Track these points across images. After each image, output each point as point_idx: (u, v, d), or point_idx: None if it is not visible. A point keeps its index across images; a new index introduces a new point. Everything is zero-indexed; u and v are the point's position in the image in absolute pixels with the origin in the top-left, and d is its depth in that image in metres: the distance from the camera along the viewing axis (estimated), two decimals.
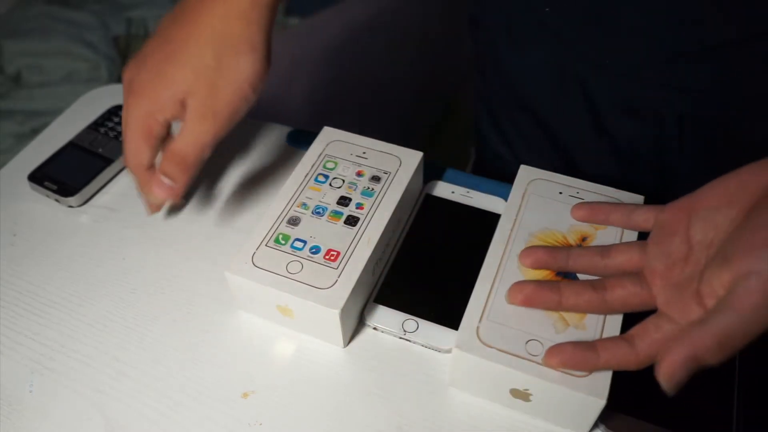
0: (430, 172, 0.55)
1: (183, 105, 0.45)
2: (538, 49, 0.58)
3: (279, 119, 0.63)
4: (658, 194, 0.48)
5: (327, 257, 0.44)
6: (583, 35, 0.54)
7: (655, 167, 0.59)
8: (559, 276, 0.43)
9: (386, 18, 1.23)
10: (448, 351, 0.44)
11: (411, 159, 0.50)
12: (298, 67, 1.01)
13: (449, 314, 0.45)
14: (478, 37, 0.68)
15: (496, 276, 0.43)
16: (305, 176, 0.49)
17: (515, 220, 0.46)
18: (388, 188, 0.48)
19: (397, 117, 1.31)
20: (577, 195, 0.47)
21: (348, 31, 1.09)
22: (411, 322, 0.45)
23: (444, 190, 0.54)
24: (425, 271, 0.49)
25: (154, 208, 0.51)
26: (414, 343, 0.45)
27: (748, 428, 0.40)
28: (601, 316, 0.41)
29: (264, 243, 0.45)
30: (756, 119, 0.53)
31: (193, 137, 0.45)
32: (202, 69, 0.44)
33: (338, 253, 0.44)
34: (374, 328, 0.46)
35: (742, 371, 0.43)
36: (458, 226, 0.52)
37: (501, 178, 0.56)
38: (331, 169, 0.50)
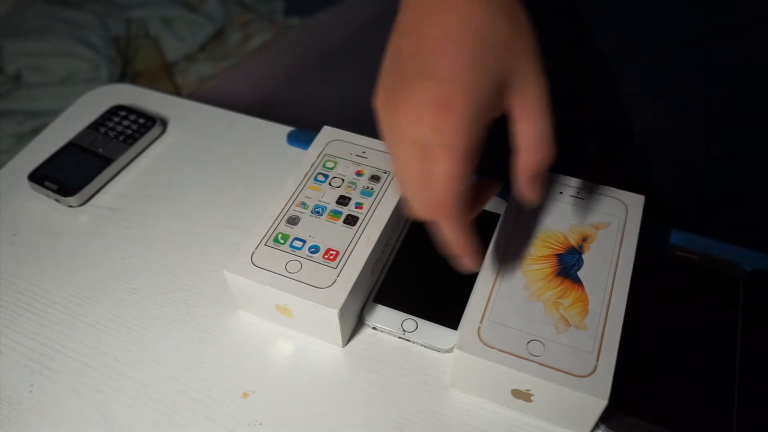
0: None
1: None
2: (552, 35, 0.57)
3: (279, 119, 0.63)
4: (674, 190, 0.47)
5: (326, 257, 0.44)
6: (600, 20, 0.53)
7: (679, 158, 0.58)
8: (560, 276, 0.43)
9: (387, 17, 1.23)
10: (448, 351, 0.44)
11: None
12: (299, 67, 1.01)
13: (449, 314, 0.45)
14: None
15: (496, 276, 0.43)
16: (305, 176, 0.49)
17: (515, 219, 0.46)
18: (387, 188, 0.48)
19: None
20: (577, 195, 0.47)
21: (348, 31, 1.09)
22: (410, 321, 0.45)
23: None
24: (425, 271, 0.49)
25: (473, 260, 0.39)
26: (413, 343, 0.45)
27: (748, 428, 0.40)
28: (602, 317, 0.40)
29: (263, 242, 0.45)
30: None
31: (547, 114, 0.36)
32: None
33: (337, 253, 0.44)
34: (373, 328, 0.46)
35: (743, 372, 0.42)
36: None
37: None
38: (331, 169, 0.50)
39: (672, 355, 0.44)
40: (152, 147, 0.61)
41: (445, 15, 0.34)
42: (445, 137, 0.33)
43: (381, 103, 0.36)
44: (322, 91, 1.03)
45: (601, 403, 0.37)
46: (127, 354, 0.46)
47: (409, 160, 0.34)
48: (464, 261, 0.38)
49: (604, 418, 0.40)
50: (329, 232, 0.45)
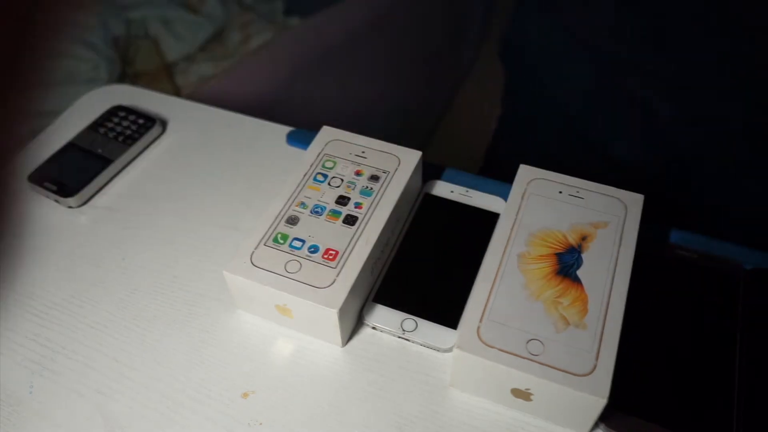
0: (429, 171, 0.55)
1: None
2: (584, 69, 0.59)
3: (279, 119, 0.63)
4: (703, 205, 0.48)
5: (325, 256, 0.44)
6: (634, 49, 0.55)
7: (716, 178, 0.58)
8: (559, 276, 0.43)
9: (386, 18, 1.23)
10: (448, 350, 0.44)
11: (410, 158, 0.50)
12: (299, 67, 1.00)
13: (448, 314, 0.45)
14: (513, 60, 0.68)
15: (496, 276, 0.43)
16: (304, 175, 0.49)
17: (515, 219, 0.46)
18: (386, 187, 0.48)
19: (397, 116, 1.31)
20: (577, 194, 0.47)
21: (348, 31, 1.09)
22: (410, 321, 0.45)
23: (443, 189, 0.54)
24: (424, 271, 0.49)
25: None
26: (413, 342, 0.45)
27: (747, 427, 0.40)
28: (602, 316, 0.40)
29: (263, 242, 0.45)
30: None
31: None
32: None
33: (337, 253, 0.44)
34: (373, 328, 0.46)
35: (742, 371, 0.42)
36: (457, 226, 0.52)
37: None
38: (330, 169, 0.50)
39: (671, 354, 0.44)
40: (152, 147, 0.61)
41: None
42: None
43: None
44: (322, 91, 1.03)
45: (600, 402, 0.37)
46: (128, 355, 0.46)
47: None
48: None
49: (604, 417, 0.40)
50: (328, 232, 0.45)
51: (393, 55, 1.28)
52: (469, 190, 0.53)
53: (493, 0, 1.86)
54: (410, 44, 1.36)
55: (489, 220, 0.50)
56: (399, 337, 0.45)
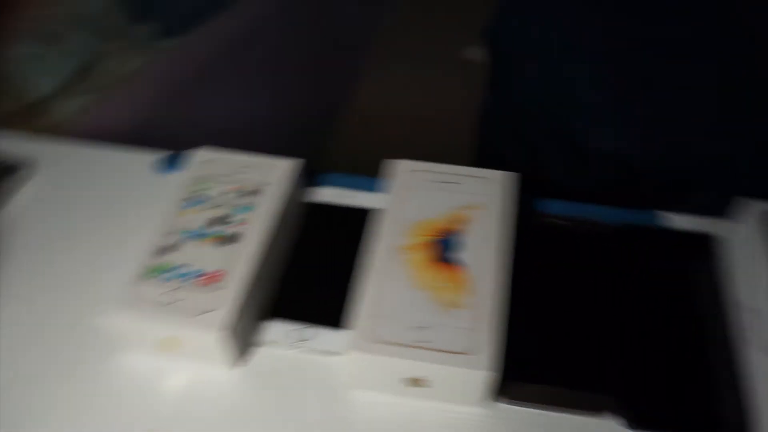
0: (313, 178, 0.55)
1: None
2: (574, 64, 0.58)
3: (160, 144, 0.61)
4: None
5: (209, 280, 0.43)
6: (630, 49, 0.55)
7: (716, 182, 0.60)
8: (442, 261, 0.44)
9: (265, 31, 1.22)
10: (345, 353, 0.45)
11: (289, 168, 0.50)
12: (177, 89, 0.98)
13: (342, 317, 0.45)
14: (498, 51, 0.67)
15: (380, 271, 0.44)
16: (180, 201, 0.48)
17: (394, 213, 0.47)
18: (267, 200, 0.48)
19: (286, 126, 1.30)
20: (452, 180, 0.49)
21: (225, 47, 1.08)
22: (304, 330, 0.45)
23: (326, 194, 0.54)
24: (316, 278, 0.49)
25: None
26: (311, 351, 0.45)
27: (629, 373, 0.43)
28: (484, 294, 0.42)
29: (142, 278, 0.44)
30: None
31: None
32: None
33: (222, 274, 0.44)
34: (269, 343, 0.45)
35: (621, 320, 0.45)
36: (345, 228, 0.52)
37: None
38: (207, 190, 0.49)
39: (558, 318, 0.46)
40: (18, 195, 0.57)
41: None
42: None
43: None
44: (205, 110, 1.01)
45: (488, 375, 0.39)
46: (10, 420, 0.43)
47: None
48: None
49: (503, 389, 0.42)
50: (211, 255, 0.45)
51: (275, 65, 1.27)
52: (354, 191, 0.54)
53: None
54: (292, 52, 1.36)
55: (373, 218, 0.51)
56: (297, 349, 0.45)
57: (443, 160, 0.51)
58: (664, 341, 0.45)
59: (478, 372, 0.39)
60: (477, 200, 0.47)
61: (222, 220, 0.47)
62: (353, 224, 0.52)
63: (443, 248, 0.45)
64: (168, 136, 0.90)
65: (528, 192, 0.52)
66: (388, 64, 1.92)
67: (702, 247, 0.50)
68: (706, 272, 0.48)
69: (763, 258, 0.42)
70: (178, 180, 0.51)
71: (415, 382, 0.41)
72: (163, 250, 0.45)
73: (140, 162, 0.59)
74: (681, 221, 0.52)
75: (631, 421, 0.41)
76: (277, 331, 0.45)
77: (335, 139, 1.71)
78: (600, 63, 0.50)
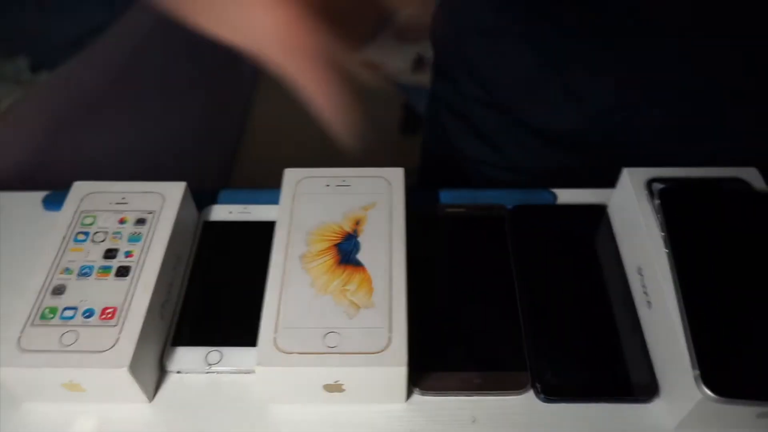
0: (204, 198, 0.54)
1: None
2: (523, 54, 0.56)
3: (42, 184, 0.58)
4: None
5: (103, 317, 0.41)
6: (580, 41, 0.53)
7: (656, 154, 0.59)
8: (342, 265, 0.44)
9: (148, 54, 1.18)
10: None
11: (174, 192, 0.49)
12: (58, 124, 0.93)
13: (250, 333, 0.44)
14: (442, 39, 0.63)
15: (282, 283, 0.43)
16: (63, 239, 0.46)
17: (290, 223, 0.47)
18: (155, 228, 0.46)
19: (184, 151, 1.27)
20: (343, 183, 0.49)
21: (103, 75, 1.04)
22: (214, 353, 0.44)
23: (221, 212, 0.53)
24: (219, 299, 0.48)
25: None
26: (222, 373, 0.44)
27: (536, 353, 0.44)
28: (387, 291, 0.42)
29: (29, 323, 0.41)
30: None
31: None
32: None
33: (115, 310, 0.42)
34: (178, 372, 0.44)
35: (523, 300, 0.47)
36: (243, 244, 0.51)
37: (481, 184, 0.54)
38: (90, 225, 0.47)
39: (464, 304, 0.48)
40: None
41: None
42: None
43: None
44: (87, 142, 0.97)
45: (402, 371, 0.39)
46: None
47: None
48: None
49: (416, 382, 0.43)
50: (102, 291, 0.43)
51: (165, 85, 1.24)
52: (247, 206, 0.53)
53: None
54: (181, 70, 1.32)
55: (271, 230, 0.50)
56: (207, 373, 0.44)
57: (352, 164, 0.51)
58: (570, 313, 0.47)
59: (394, 369, 0.39)
60: (370, 200, 0.48)
61: (110, 254, 0.45)
62: (253, 239, 0.51)
63: (343, 251, 0.45)
64: (50, 173, 0.85)
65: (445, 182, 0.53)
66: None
67: (595, 217, 0.52)
68: (601, 240, 0.51)
69: (646, 221, 0.45)
70: (61, 218, 0.48)
71: (333, 387, 0.41)
72: (51, 290, 0.43)
73: (26, 201, 0.56)
74: (575, 195, 0.54)
75: (547, 393, 0.42)
76: (188, 357, 0.44)
77: (242, 154, 1.68)
78: (542, 45, 0.49)
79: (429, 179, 0.78)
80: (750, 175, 0.48)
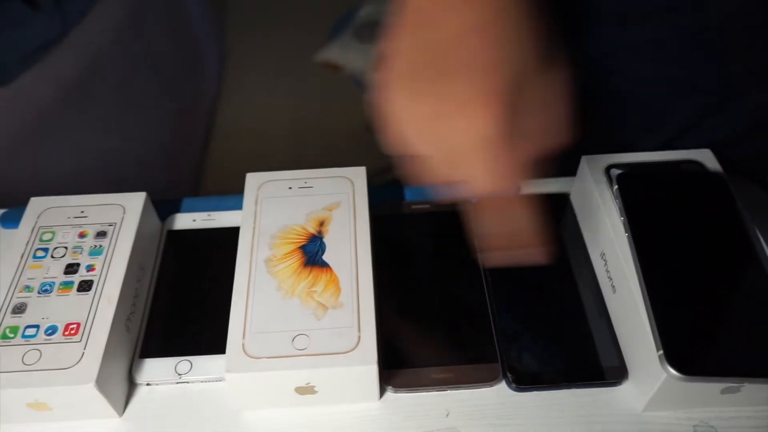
0: (167, 207, 0.53)
1: None
2: None
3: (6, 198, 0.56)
4: None
5: (67, 333, 0.41)
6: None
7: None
8: (308, 266, 0.44)
9: (106, 66, 1.16)
10: None
11: (135, 203, 0.48)
12: (12, 141, 0.91)
13: (219, 341, 0.44)
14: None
15: (248, 288, 0.43)
16: (21, 257, 0.45)
17: (253, 227, 0.46)
18: (117, 240, 0.46)
19: (149, 161, 1.25)
20: (306, 184, 0.49)
21: (62, 89, 1.01)
22: (183, 363, 0.44)
23: (185, 221, 0.52)
24: (186, 308, 0.47)
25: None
26: (192, 382, 0.43)
27: (506, 346, 0.45)
28: (354, 290, 0.42)
29: None
30: None
31: None
32: None
33: (78, 325, 0.41)
34: (148, 384, 0.43)
35: (490, 293, 0.47)
36: (208, 252, 0.51)
37: None
38: (49, 240, 0.46)
39: (432, 299, 0.48)
40: None
41: (469, 7, 0.33)
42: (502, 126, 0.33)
43: (404, 99, 0.35)
44: (45, 158, 0.95)
45: (373, 369, 0.39)
46: None
47: (473, 152, 0.34)
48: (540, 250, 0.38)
49: (389, 380, 0.43)
50: (64, 307, 0.42)
51: (126, 96, 1.22)
52: (210, 213, 0.53)
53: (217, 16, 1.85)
54: (142, 81, 1.31)
55: (235, 236, 0.50)
56: (177, 383, 0.43)
57: (315, 165, 0.51)
58: (538, 302, 0.47)
59: (364, 367, 0.39)
60: (333, 200, 0.47)
61: (71, 269, 0.44)
62: (218, 246, 0.50)
63: (308, 253, 0.44)
64: (13, 189, 0.83)
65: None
66: (245, 77, 1.89)
67: (559, 206, 0.53)
68: (565, 228, 0.51)
69: (606, 207, 0.45)
70: (19, 235, 0.47)
71: (304, 390, 0.40)
72: (12, 309, 0.42)
73: None
74: (537, 185, 0.55)
75: (519, 383, 0.43)
76: (157, 369, 0.44)
77: (209, 161, 1.66)
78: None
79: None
80: (704, 156, 0.49)
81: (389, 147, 0.37)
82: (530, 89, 0.34)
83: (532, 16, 0.34)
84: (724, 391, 0.40)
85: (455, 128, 0.34)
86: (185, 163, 1.56)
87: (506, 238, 0.38)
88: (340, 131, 1.72)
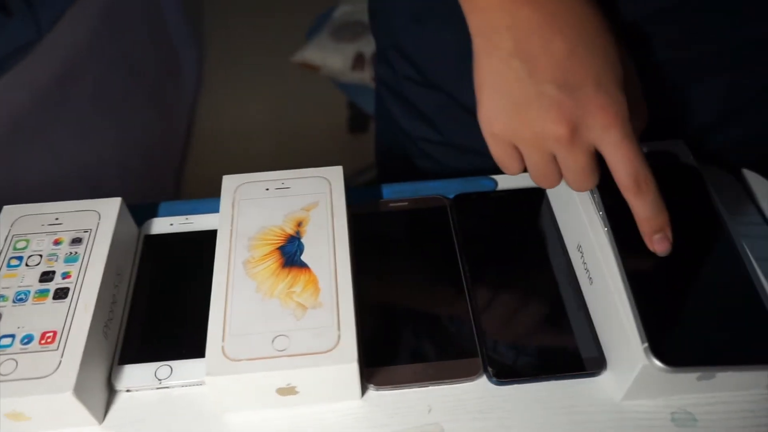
0: (144, 211, 0.53)
1: None
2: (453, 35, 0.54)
3: None
4: None
5: (43, 342, 0.40)
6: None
7: None
8: (286, 267, 0.44)
9: (81, 71, 1.15)
10: None
11: (110, 208, 0.48)
12: None
13: (199, 345, 0.44)
14: (379, 29, 0.64)
15: (227, 290, 0.43)
16: None
17: (231, 230, 0.46)
18: (92, 246, 0.45)
19: (128, 166, 1.24)
20: (283, 186, 0.49)
21: (36, 95, 1.00)
22: (164, 368, 0.43)
23: (162, 225, 0.52)
24: (165, 313, 0.47)
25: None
26: (173, 387, 0.43)
27: (485, 339, 0.45)
28: (333, 289, 0.42)
29: None
30: None
31: None
32: None
33: (55, 333, 0.41)
34: (127, 391, 0.43)
35: (470, 287, 0.48)
36: (186, 256, 0.50)
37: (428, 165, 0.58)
38: (23, 249, 0.45)
39: (412, 296, 0.48)
40: None
41: (570, 29, 0.37)
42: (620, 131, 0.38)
43: (508, 119, 0.39)
44: (20, 165, 0.94)
45: (353, 367, 0.39)
46: None
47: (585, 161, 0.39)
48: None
49: (370, 378, 0.43)
50: (40, 315, 0.42)
51: (103, 101, 1.21)
52: (188, 217, 0.52)
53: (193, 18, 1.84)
54: (119, 85, 1.30)
55: (213, 239, 0.50)
56: (158, 389, 0.43)
57: (295, 165, 0.51)
58: (517, 295, 0.48)
59: (345, 366, 0.39)
60: (311, 200, 0.47)
61: (46, 277, 0.43)
62: (196, 249, 0.50)
63: (286, 254, 0.44)
64: None
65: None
66: (223, 80, 1.88)
67: (536, 199, 0.53)
68: (543, 222, 0.52)
69: (581, 199, 0.46)
70: None
71: (286, 391, 0.40)
72: None
73: None
74: (515, 180, 0.55)
75: (499, 377, 0.43)
76: (136, 374, 0.43)
77: (189, 164, 1.65)
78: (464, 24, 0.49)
79: (387, 170, 0.78)
80: (677, 148, 0.49)
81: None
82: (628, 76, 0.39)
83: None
84: (700, 378, 0.40)
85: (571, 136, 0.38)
86: (165, 167, 1.55)
87: (663, 218, 0.41)
88: (319, 131, 1.72)
